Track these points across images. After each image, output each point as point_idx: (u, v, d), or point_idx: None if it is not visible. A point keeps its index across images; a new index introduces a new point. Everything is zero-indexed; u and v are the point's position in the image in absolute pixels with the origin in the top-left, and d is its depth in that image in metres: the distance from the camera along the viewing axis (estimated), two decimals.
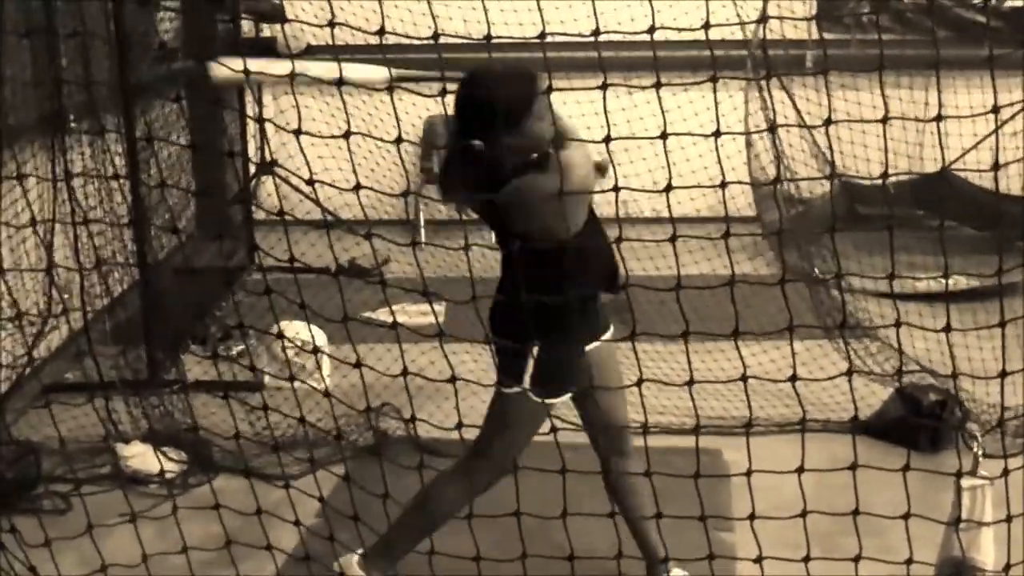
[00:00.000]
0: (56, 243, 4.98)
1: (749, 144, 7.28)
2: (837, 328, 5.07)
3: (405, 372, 2.98)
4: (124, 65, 5.40)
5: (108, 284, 5.37)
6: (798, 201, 7.87)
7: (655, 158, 6.67)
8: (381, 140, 3.07)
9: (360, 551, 3.68)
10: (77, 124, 5.23)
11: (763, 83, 6.48)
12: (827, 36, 8.44)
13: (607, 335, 3.60)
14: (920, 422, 4.96)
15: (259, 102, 8.19)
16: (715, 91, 2.54)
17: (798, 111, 7.40)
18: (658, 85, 2.56)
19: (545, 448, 3.01)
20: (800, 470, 2.83)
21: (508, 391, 3.42)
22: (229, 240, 7.74)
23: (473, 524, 3.12)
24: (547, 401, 3.42)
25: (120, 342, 5.69)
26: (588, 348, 3.53)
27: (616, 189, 2.74)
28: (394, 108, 2.81)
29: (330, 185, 3.06)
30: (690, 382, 2.78)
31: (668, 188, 2.65)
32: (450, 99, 3.19)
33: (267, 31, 8.18)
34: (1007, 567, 2.80)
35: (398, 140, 2.80)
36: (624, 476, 3.63)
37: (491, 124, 3.20)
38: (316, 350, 3.56)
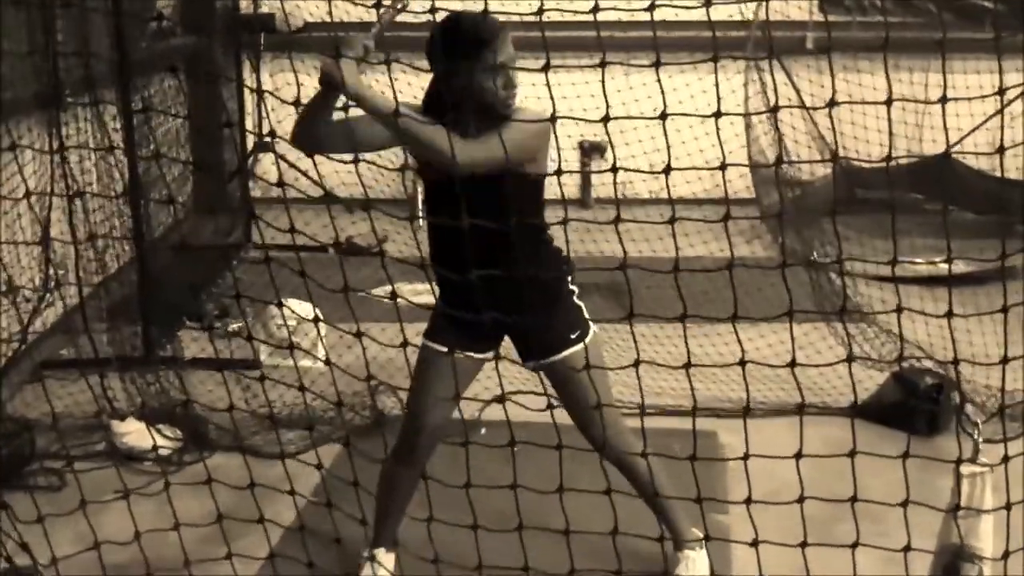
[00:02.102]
0: (53, 219, 4.96)
1: (748, 126, 7.27)
2: (836, 313, 5.06)
3: (405, 343, 2.96)
4: (122, 38, 5.37)
5: (104, 260, 5.36)
6: (797, 184, 7.87)
7: (652, 141, 6.65)
8: (380, 114, 3.04)
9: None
10: (74, 98, 5.21)
11: (763, 65, 6.46)
12: (828, 18, 8.41)
13: (563, 353, 3.56)
14: (917, 405, 4.96)
15: (258, 78, 8.16)
16: (716, 72, 2.51)
17: (799, 93, 7.38)
18: (657, 64, 2.53)
19: (542, 426, 3.00)
20: (799, 455, 2.82)
21: None
22: (226, 217, 7.72)
23: (473, 497, 3.11)
24: (424, 343, 3.55)
25: (116, 319, 5.68)
26: (547, 361, 3.55)
27: (615, 169, 2.71)
28: (391, 83, 2.78)
29: (329, 158, 3.04)
30: (687, 365, 2.76)
31: (667, 169, 2.63)
32: None
33: (265, 7, 8.14)
34: (1005, 554, 2.79)
35: (396, 112, 2.79)
36: (619, 462, 3.63)
37: (447, 57, 3.23)
38: (317, 319, 3.54)
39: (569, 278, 3.60)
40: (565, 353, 3.53)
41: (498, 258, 3.15)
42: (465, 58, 3.22)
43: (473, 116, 3.28)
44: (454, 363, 3.34)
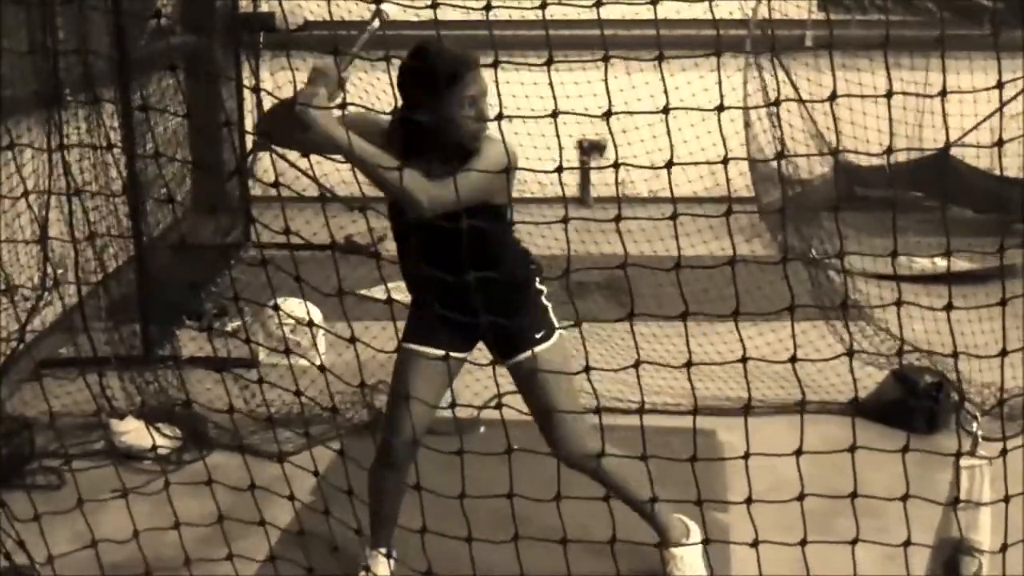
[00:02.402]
0: (51, 218, 4.95)
1: (747, 124, 7.26)
2: (835, 309, 5.06)
3: (400, 345, 2.96)
4: (121, 36, 5.37)
5: (103, 259, 5.36)
6: (796, 182, 7.87)
7: (652, 140, 6.66)
8: (378, 112, 3.04)
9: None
10: (73, 97, 5.21)
11: (762, 62, 6.46)
12: (828, 16, 8.42)
13: (540, 346, 3.56)
14: (916, 403, 4.96)
15: (256, 77, 8.16)
16: (719, 68, 2.51)
17: (797, 91, 7.37)
18: (660, 58, 2.53)
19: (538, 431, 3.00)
20: (798, 452, 2.81)
21: None
22: (225, 216, 7.72)
23: (465, 507, 3.10)
24: (403, 343, 3.52)
25: (115, 317, 5.68)
26: (513, 360, 3.55)
27: (616, 166, 2.71)
28: (391, 82, 2.78)
29: (327, 158, 3.04)
30: (688, 364, 2.76)
31: (669, 164, 2.63)
32: None
33: (264, 5, 8.14)
34: (1003, 547, 2.79)
35: (393, 111, 2.78)
36: (600, 472, 3.62)
37: (419, 91, 3.18)
38: (311, 323, 3.53)
39: (537, 279, 3.61)
40: (528, 353, 3.54)
41: (463, 260, 3.13)
42: (437, 92, 3.19)
43: (440, 149, 3.27)
44: (449, 365, 3.34)
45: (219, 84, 7.49)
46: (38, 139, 5.03)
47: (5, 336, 5.08)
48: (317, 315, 5.34)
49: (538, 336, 3.55)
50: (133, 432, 4.83)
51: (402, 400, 3.54)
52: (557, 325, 3.60)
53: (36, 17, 5.14)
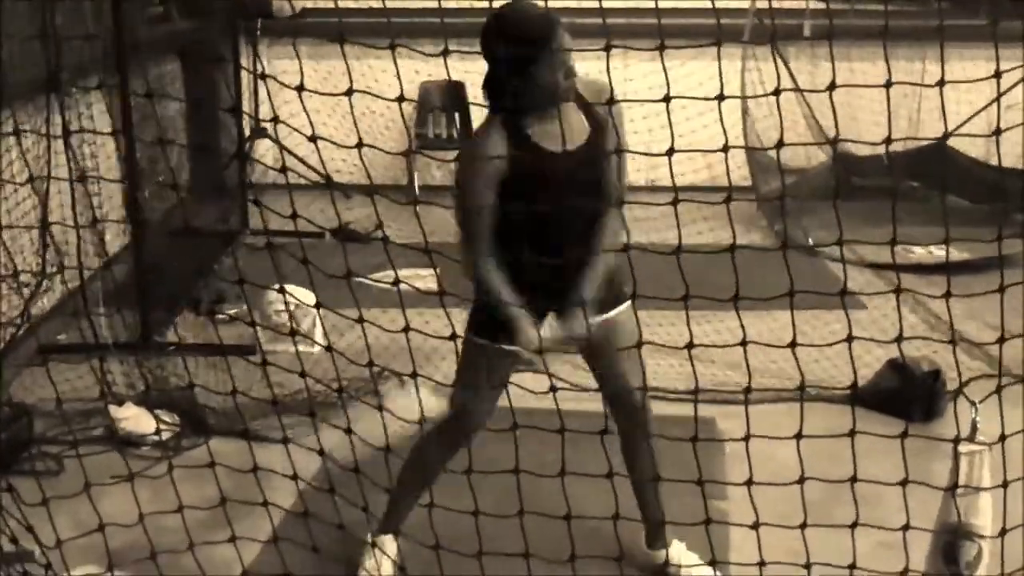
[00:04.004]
0: (52, 203, 4.95)
1: (746, 112, 7.28)
2: (836, 294, 5.06)
3: (407, 328, 2.97)
4: (120, 22, 5.37)
5: (103, 244, 5.36)
6: (794, 171, 7.89)
7: (648, 134, 6.70)
8: (382, 98, 3.05)
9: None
10: (73, 83, 5.20)
11: (760, 52, 6.48)
12: (824, 6, 8.42)
13: (616, 310, 3.58)
14: (914, 392, 4.98)
15: (254, 64, 8.16)
16: (719, 57, 2.53)
17: (795, 81, 7.39)
18: (662, 48, 2.54)
19: (544, 411, 3.01)
20: (798, 436, 2.83)
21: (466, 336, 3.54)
22: (224, 202, 7.72)
23: (473, 482, 3.12)
24: (480, 342, 3.48)
25: (115, 303, 5.68)
26: (597, 319, 3.52)
27: (619, 151, 2.73)
28: (395, 65, 2.79)
29: (329, 141, 3.05)
30: (690, 345, 2.77)
31: (671, 152, 2.64)
32: (450, 62, 3.18)
33: None
34: (1002, 532, 2.81)
35: (400, 99, 2.79)
36: (639, 441, 3.64)
37: (503, 62, 3.20)
38: (318, 305, 3.54)
39: None
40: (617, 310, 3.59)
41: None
42: (527, 54, 3.19)
43: (534, 106, 3.28)
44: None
45: (217, 70, 7.48)
46: (38, 124, 5.03)
47: (6, 321, 5.08)
48: (313, 302, 5.33)
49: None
50: (132, 418, 4.84)
51: (479, 397, 3.55)
52: None
53: (37, 2, 5.14)
